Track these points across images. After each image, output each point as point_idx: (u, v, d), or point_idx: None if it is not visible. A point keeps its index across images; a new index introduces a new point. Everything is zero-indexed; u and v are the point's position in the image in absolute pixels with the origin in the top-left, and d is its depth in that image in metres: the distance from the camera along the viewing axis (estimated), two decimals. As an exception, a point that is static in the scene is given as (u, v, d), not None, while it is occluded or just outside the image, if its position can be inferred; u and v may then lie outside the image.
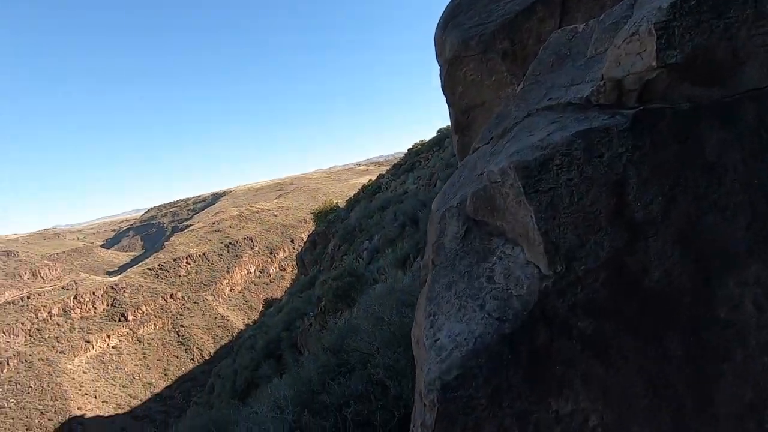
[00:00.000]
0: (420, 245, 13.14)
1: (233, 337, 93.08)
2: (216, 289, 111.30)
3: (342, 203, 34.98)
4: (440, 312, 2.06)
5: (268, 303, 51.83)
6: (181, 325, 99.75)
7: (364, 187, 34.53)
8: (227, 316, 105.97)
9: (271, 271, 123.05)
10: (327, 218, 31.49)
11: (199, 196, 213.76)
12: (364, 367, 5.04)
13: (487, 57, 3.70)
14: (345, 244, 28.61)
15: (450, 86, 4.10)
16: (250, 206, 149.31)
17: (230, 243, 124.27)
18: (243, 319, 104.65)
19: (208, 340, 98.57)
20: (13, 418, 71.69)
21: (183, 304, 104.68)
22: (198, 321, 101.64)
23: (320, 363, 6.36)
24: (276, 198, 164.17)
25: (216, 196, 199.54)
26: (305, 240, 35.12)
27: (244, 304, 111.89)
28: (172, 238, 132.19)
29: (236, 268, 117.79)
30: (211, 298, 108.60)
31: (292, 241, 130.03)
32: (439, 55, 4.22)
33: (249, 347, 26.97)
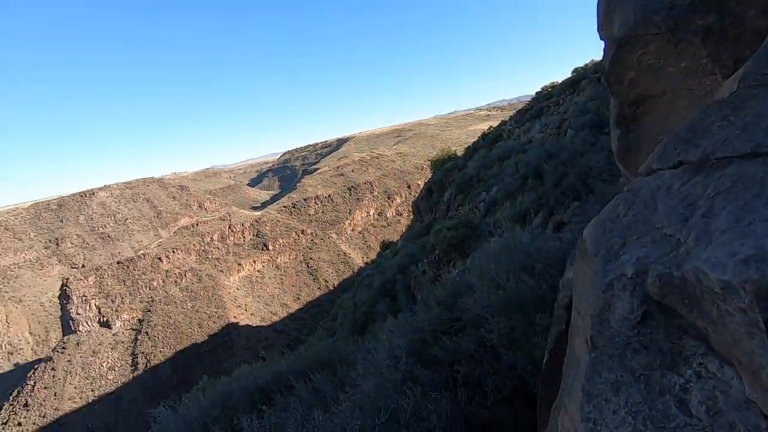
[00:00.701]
0: (542, 200, 12.20)
1: (353, 272, 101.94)
2: (339, 228, 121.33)
3: (460, 151, 33.93)
4: (603, 423, 1.48)
5: (385, 245, 54.71)
6: (310, 258, 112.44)
7: (483, 135, 32.85)
8: (349, 253, 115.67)
9: (388, 214, 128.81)
10: (444, 167, 31.06)
11: (326, 142, 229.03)
12: (476, 327, 5.03)
13: (677, 37, 2.45)
14: (461, 194, 28.11)
15: (616, 71, 2.93)
16: (371, 152, 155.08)
17: (352, 186, 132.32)
18: (362, 257, 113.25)
19: (332, 272, 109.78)
20: (190, 318, 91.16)
21: (312, 240, 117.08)
22: (324, 255, 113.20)
23: (432, 315, 6.54)
24: (394, 144, 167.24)
25: (340, 142, 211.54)
26: (421, 187, 35.43)
27: (363, 243, 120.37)
28: (303, 180, 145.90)
29: (357, 210, 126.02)
30: (335, 236, 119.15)
31: (408, 187, 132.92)
32: (602, 28, 3.06)
33: (367, 284, 29.23)
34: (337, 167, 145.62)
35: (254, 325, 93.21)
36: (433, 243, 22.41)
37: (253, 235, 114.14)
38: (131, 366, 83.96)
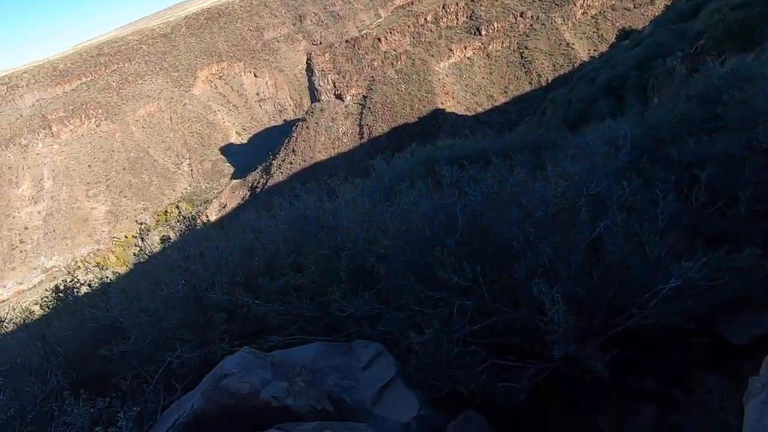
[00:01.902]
0: None
1: (574, 67, 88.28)
2: (567, 10, 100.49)
3: None
4: None
5: (624, 33, 43.80)
6: (526, 47, 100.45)
7: None
8: (573, 43, 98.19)
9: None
10: None
11: None
12: (746, 128, 3.77)
13: None
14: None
15: None
16: None
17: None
18: (589, 50, 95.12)
19: (548, 66, 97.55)
20: (403, 99, 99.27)
21: (531, 25, 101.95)
22: (542, 45, 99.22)
23: (678, 111, 5.19)
24: None
25: None
26: (710, -57, 24.61)
27: (594, 32, 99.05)
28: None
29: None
30: (560, 21, 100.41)
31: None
32: None
33: (589, 80, 25.17)
34: None
35: (459, 113, 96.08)
36: (699, 29, 16.81)
37: (467, 17, 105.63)
38: (358, 134, 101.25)
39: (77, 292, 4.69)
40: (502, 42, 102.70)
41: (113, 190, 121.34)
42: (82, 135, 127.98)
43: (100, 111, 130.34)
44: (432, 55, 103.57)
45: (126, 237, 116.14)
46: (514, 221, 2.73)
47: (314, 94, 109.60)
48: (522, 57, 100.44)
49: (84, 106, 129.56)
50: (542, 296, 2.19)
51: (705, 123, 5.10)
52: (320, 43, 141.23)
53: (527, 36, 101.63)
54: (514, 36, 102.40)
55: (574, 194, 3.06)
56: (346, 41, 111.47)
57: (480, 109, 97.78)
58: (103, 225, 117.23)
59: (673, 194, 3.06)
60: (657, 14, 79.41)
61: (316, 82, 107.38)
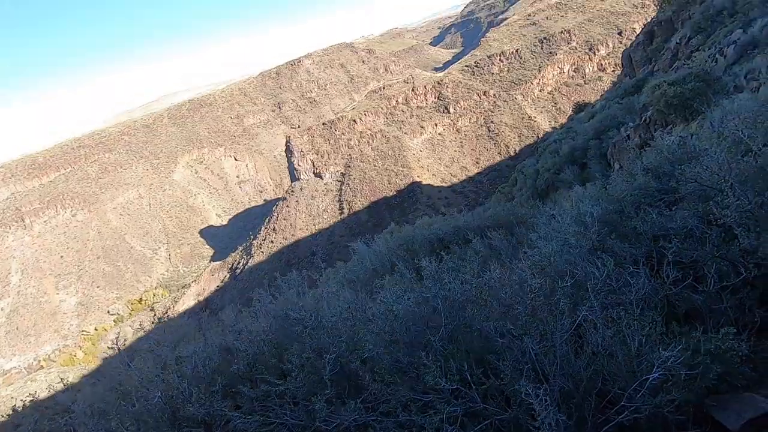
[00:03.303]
0: None
1: (538, 138, 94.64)
2: (526, 88, 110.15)
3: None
4: None
5: (579, 107, 47.97)
6: (492, 122, 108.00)
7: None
8: (534, 117, 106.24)
9: (587, 70, 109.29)
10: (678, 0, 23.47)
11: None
12: (700, 201, 4.04)
13: None
14: (699, 35, 21.28)
15: None
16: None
17: (545, 38, 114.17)
18: (549, 122, 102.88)
19: (514, 137, 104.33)
20: (381, 174, 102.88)
21: (494, 102, 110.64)
22: (506, 119, 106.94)
23: (637, 185, 5.56)
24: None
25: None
26: (638, 32, 28.07)
27: (552, 106, 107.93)
28: (488, 35, 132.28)
29: (548, 67, 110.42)
30: (520, 98, 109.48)
31: (619, 33, 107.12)
32: None
33: (553, 151, 26.89)
34: (529, 15, 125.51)
35: (435, 185, 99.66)
36: (645, 102, 18.48)
37: (435, 98, 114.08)
38: (338, 210, 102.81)
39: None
40: (470, 118, 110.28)
41: (85, 280, 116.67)
42: (56, 225, 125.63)
43: (76, 201, 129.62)
44: (405, 133, 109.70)
45: (96, 329, 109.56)
46: (495, 317, 2.75)
47: (294, 174, 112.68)
48: (489, 130, 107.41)
49: (60, 197, 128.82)
50: (530, 399, 2.14)
51: (664, 194, 5.45)
52: (298, 126, 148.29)
53: (492, 111, 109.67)
54: (480, 112, 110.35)
55: (551, 280, 3.14)
56: (323, 123, 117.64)
57: (455, 180, 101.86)
58: (72, 318, 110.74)
59: (645, 272, 3.18)
60: (606, 89, 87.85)
61: (295, 162, 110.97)
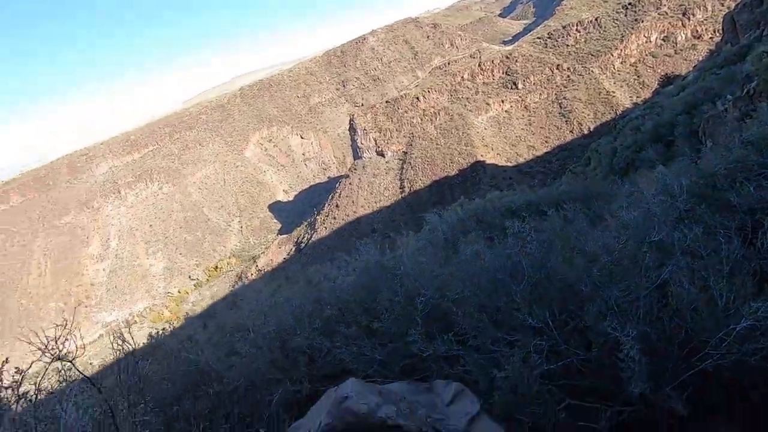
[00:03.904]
0: None
1: (616, 114, 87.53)
2: (605, 61, 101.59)
3: None
4: None
5: (667, 79, 43.60)
6: (564, 97, 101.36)
7: None
8: (612, 91, 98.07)
9: (679, 38, 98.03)
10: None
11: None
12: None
13: None
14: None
15: None
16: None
17: (630, 3, 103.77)
18: (630, 97, 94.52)
19: (588, 114, 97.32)
20: (443, 153, 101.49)
21: (568, 76, 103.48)
22: (581, 94, 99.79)
23: (733, 158, 5.23)
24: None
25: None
26: (748, -10, 24.78)
27: (635, 79, 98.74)
28: (564, 2, 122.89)
29: (632, 36, 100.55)
30: (597, 71, 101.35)
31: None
32: None
33: (634, 128, 24.99)
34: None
35: (499, 164, 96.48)
36: (749, 72, 16.70)
37: (503, 73, 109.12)
38: (399, 188, 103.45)
39: (162, 338, 5.19)
40: (540, 94, 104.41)
41: (170, 247, 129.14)
42: (146, 197, 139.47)
43: (162, 175, 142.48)
44: (469, 110, 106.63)
45: (179, 292, 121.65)
46: (580, 267, 2.89)
47: (356, 152, 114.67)
48: (561, 107, 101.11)
49: (149, 171, 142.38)
50: (616, 333, 2.31)
51: (765, 168, 5.08)
52: (362, 104, 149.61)
53: (565, 86, 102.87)
54: (552, 87, 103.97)
55: (635, 241, 3.19)
56: (387, 101, 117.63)
57: (521, 160, 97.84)
58: (159, 281, 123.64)
59: (737, 240, 3.12)
60: (700, 59, 78.50)
61: (358, 141, 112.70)
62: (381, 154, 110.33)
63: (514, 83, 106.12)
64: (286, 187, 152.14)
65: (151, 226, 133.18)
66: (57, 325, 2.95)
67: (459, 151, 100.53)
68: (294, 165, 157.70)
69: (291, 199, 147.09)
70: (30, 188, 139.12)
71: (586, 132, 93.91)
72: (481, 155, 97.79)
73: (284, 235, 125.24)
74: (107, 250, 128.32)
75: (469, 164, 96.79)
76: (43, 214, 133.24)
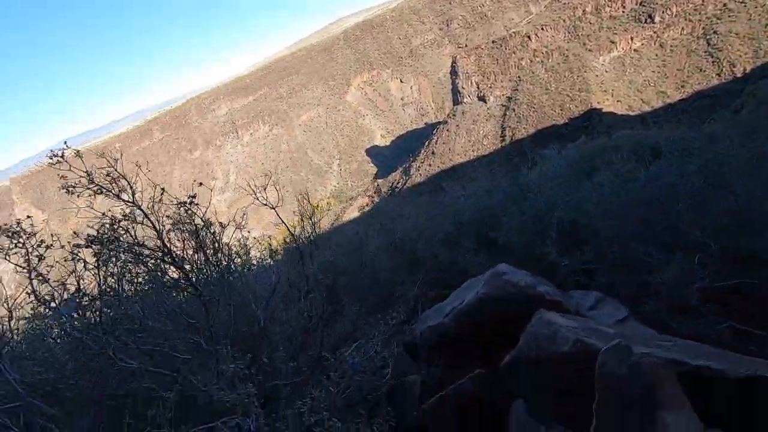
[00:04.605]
0: None
1: (786, 52, 70.75)
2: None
3: None
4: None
5: None
6: (715, 32, 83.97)
7: None
8: (786, 22, 78.47)
9: None
10: None
11: None
12: None
13: None
14: None
15: None
16: None
17: None
18: (811, 29, 75.13)
19: (746, 52, 79.89)
20: (552, 99, 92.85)
21: (724, 5, 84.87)
22: (739, 27, 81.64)
23: None
24: None
25: None
26: None
27: (822, 5, 77.59)
28: None
29: (829, -54, 77.46)
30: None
31: None
32: None
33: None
34: None
35: (619, 113, 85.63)
36: None
37: (636, 4, 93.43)
38: (500, 137, 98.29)
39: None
40: (682, 28, 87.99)
41: (278, 184, 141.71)
42: (258, 138, 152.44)
43: (272, 117, 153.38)
44: (589, 50, 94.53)
45: (281, 225, 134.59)
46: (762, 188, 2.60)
47: (457, 97, 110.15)
48: (709, 44, 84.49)
49: (261, 114, 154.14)
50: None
51: None
52: (465, 45, 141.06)
53: (718, 18, 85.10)
54: (699, 20, 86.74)
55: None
56: (493, 41, 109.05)
57: (646, 108, 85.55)
58: (269, 214, 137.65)
59: None
60: None
61: (459, 85, 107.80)
62: (482, 99, 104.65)
63: (650, 16, 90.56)
64: (384, 132, 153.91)
65: (262, 164, 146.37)
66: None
67: (571, 97, 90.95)
68: (392, 110, 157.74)
69: (388, 144, 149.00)
70: (168, 126, 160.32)
71: (739, 75, 77.97)
72: (598, 102, 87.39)
73: (380, 180, 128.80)
74: (227, 183, 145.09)
75: (581, 112, 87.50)
76: (178, 149, 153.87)
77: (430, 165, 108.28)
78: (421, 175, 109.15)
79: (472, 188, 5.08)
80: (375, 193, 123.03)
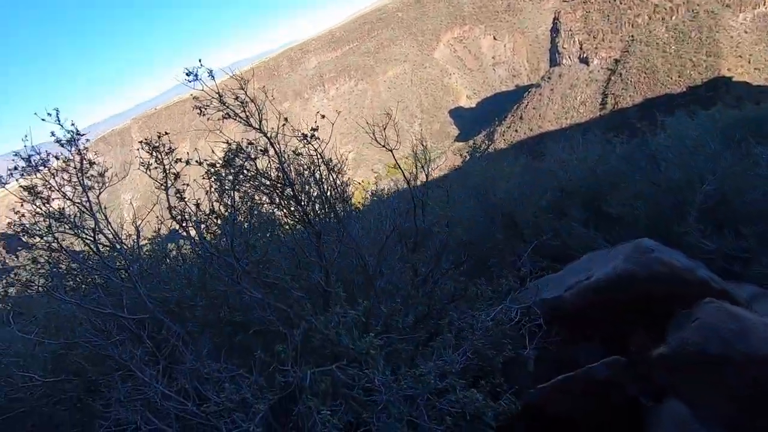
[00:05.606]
0: None
1: None
2: None
3: None
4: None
5: None
6: None
7: None
8: None
9: None
10: None
11: None
12: None
13: None
14: None
15: None
16: None
17: None
18: None
19: None
20: (670, 64, 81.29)
21: None
22: None
23: None
24: None
25: None
26: None
27: None
28: None
29: None
30: None
31: None
32: None
33: None
34: None
35: (754, 83, 72.77)
36: None
37: (803, -53, 76.36)
38: (600, 104, 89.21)
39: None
40: None
41: (359, 140, 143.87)
42: (344, 92, 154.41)
43: (358, 72, 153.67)
44: (727, 5, 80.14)
45: (362, 182, 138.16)
46: None
47: (555, 58, 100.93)
48: None
49: (347, 68, 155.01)
50: None
51: None
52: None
53: None
54: None
55: None
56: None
57: (793, 79, 71.71)
58: (349, 169, 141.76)
59: None
60: None
61: (559, 44, 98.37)
62: (585, 61, 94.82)
63: (820, -38, 73.71)
64: (470, 92, 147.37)
65: (346, 119, 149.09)
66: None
67: (695, 62, 78.86)
68: (482, 69, 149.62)
69: (473, 105, 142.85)
70: (262, 77, 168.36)
71: None
72: (728, 69, 74.83)
73: (461, 143, 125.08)
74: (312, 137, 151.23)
75: (705, 80, 75.84)
76: (270, 100, 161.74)
77: (516, 131, 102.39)
78: (505, 141, 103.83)
79: (581, 153, 4.73)
80: (456, 155, 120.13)
